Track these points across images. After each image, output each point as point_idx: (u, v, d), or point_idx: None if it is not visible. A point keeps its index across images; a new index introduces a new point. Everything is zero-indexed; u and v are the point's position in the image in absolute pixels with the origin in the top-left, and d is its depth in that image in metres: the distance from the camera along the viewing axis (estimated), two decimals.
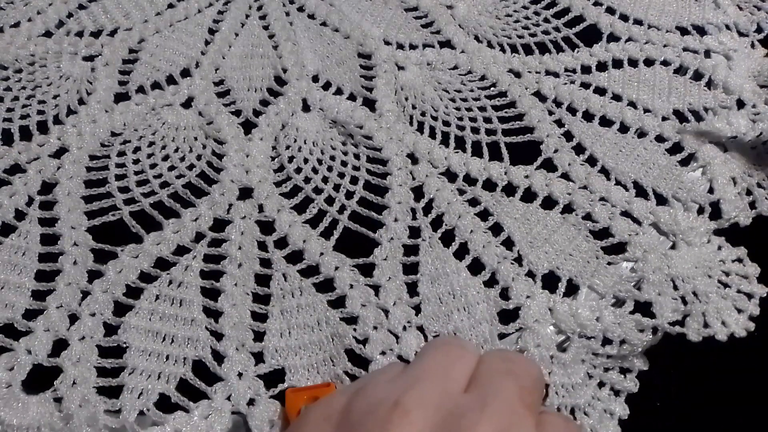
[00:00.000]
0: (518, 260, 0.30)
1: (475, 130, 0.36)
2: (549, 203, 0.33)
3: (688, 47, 0.40)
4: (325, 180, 0.34)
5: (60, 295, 0.29)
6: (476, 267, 0.30)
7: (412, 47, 0.40)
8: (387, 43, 0.40)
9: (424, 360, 0.24)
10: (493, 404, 0.21)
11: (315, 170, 0.34)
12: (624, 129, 0.36)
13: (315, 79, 0.38)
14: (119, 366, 0.27)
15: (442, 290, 0.29)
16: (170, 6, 0.42)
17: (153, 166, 0.34)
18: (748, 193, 0.33)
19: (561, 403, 0.27)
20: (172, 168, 0.34)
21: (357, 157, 0.35)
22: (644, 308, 0.29)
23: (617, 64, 0.39)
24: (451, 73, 0.39)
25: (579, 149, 0.35)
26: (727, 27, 0.41)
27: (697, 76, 0.38)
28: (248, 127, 0.36)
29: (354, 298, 0.29)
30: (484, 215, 0.32)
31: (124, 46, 0.40)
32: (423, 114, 0.36)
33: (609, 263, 0.30)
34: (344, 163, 0.34)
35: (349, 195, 0.33)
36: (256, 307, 0.29)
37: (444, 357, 0.23)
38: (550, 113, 0.36)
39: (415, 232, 0.31)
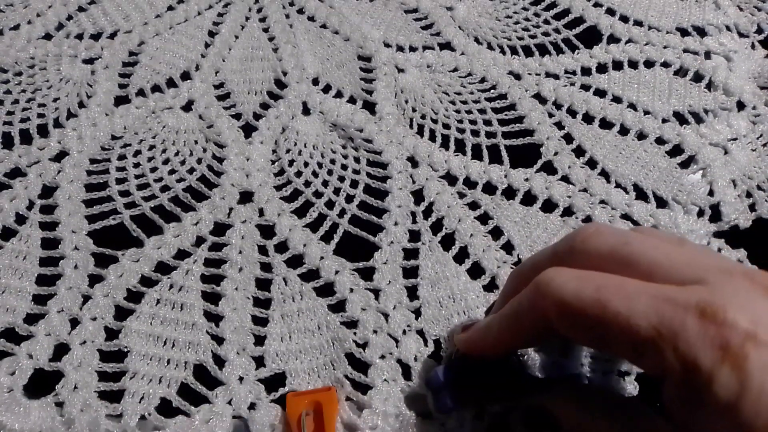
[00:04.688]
0: (518, 264, 0.30)
1: (475, 133, 0.36)
2: (549, 206, 0.33)
3: (689, 48, 0.40)
4: (325, 184, 0.34)
5: (61, 299, 0.29)
6: (476, 271, 0.30)
7: (412, 49, 0.40)
8: (387, 45, 0.40)
9: None
10: None
11: (315, 174, 0.34)
12: (624, 131, 0.36)
13: (315, 81, 0.38)
14: (120, 370, 0.27)
15: (442, 294, 0.29)
16: (170, 8, 0.42)
17: (153, 169, 0.34)
18: (748, 195, 0.33)
19: None
20: (172, 171, 0.34)
21: (357, 160, 0.35)
22: None
23: (617, 65, 0.39)
24: (451, 75, 0.39)
25: (579, 152, 0.35)
26: (728, 28, 0.41)
27: (698, 77, 0.38)
28: (248, 130, 0.36)
29: (354, 302, 0.29)
30: (484, 219, 0.32)
31: (123, 49, 0.40)
32: (423, 117, 0.36)
33: None
34: (344, 167, 0.34)
35: (349, 199, 0.33)
36: (257, 311, 0.29)
37: None
38: (550, 115, 0.36)
39: (415, 235, 0.31)
